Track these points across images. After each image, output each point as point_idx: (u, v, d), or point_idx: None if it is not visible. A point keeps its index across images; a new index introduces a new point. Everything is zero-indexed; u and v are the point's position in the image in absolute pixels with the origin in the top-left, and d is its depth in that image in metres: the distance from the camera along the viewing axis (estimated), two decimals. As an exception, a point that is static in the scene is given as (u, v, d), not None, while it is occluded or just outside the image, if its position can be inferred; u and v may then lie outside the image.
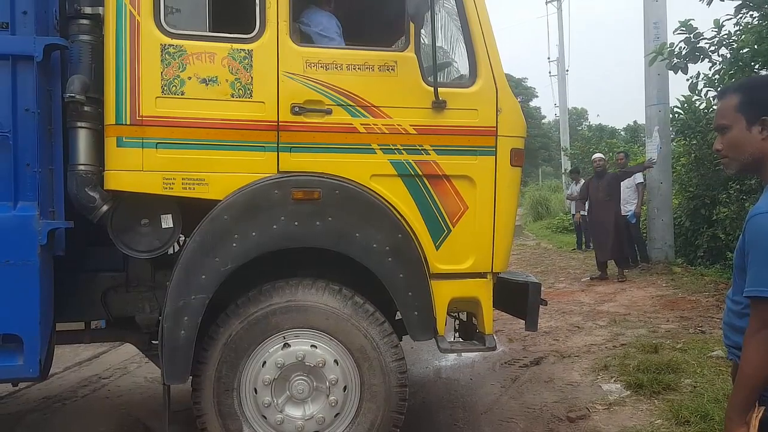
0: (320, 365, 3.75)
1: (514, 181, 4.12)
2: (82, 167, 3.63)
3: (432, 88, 3.84)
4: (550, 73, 35.51)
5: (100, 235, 3.87)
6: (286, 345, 3.74)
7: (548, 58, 36.13)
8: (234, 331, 3.70)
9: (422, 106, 3.86)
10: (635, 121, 29.57)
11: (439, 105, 3.84)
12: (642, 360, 5.98)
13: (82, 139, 3.64)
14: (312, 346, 3.76)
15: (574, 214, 15.82)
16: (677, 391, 5.22)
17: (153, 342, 4.30)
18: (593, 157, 12.41)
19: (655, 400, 5.11)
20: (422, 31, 4.03)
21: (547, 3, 32.05)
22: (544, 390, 5.64)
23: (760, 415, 2.00)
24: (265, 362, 3.73)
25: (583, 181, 14.05)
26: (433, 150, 3.89)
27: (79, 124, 3.63)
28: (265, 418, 3.76)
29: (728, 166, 2.26)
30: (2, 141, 3.42)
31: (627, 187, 11.68)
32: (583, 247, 15.50)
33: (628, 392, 5.35)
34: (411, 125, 3.85)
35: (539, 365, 6.39)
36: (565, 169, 24.58)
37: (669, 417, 4.71)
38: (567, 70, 31.40)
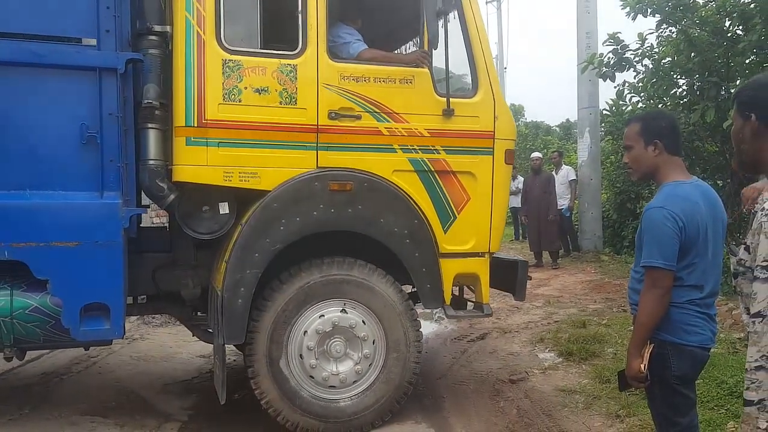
0: (351, 327, 4.44)
1: (506, 177, 4.90)
2: (152, 162, 4.22)
3: (442, 98, 4.54)
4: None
5: None
6: (344, 311, 4.43)
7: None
8: (293, 292, 4.32)
9: (434, 113, 4.56)
10: (568, 119, 30.52)
11: (448, 112, 4.55)
12: (572, 333, 6.79)
13: (152, 138, 4.22)
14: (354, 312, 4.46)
15: (512, 207, 16.63)
16: (601, 357, 6.00)
17: (195, 314, 4.92)
18: (532, 155, 13.17)
19: (583, 365, 5.88)
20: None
21: (487, 3, 32.29)
22: (489, 359, 6.37)
23: (650, 349, 2.80)
24: (306, 331, 4.37)
25: (520, 177, 14.96)
26: (443, 150, 4.61)
27: (150, 125, 4.20)
28: (308, 368, 4.40)
29: (632, 175, 3.13)
30: (91, 140, 3.99)
31: (561, 183, 12.48)
32: (521, 237, 16.29)
33: (561, 359, 6.14)
34: (425, 129, 4.56)
35: (484, 340, 7.12)
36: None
37: (594, 377, 5.46)
38: (505, 68, 31.16)
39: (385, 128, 4.50)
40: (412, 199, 4.56)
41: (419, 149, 4.58)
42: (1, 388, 5.56)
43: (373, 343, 4.49)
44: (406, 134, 4.54)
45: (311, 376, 4.41)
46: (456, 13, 4.66)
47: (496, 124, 4.72)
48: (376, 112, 4.47)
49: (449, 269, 4.68)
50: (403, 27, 5.26)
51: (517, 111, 36.77)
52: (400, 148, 4.54)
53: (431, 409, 5.04)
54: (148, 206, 4.97)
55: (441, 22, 4.44)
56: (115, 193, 4.04)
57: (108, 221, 4.00)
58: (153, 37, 4.22)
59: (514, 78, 59.96)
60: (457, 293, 5.26)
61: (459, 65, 4.81)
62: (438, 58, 4.62)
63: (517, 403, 5.07)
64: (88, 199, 4.00)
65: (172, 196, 4.27)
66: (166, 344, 6.99)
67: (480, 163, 4.72)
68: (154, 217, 8.02)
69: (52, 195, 3.94)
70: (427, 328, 7.46)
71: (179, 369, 6.14)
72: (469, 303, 5.15)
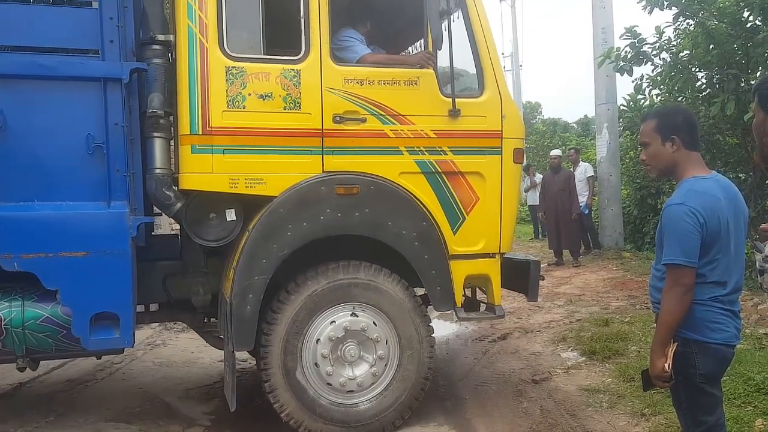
0: (363, 330, 4.42)
1: (516, 176, 4.85)
2: (158, 171, 4.25)
3: (448, 98, 4.50)
4: (504, 68, 34.89)
5: None
6: (354, 314, 4.42)
7: (502, 54, 36.11)
8: (302, 302, 4.33)
9: (440, 113, 4.52)
10: (586, 115, 30.09)
11: (455, 113, 4.51)
12: (595, 332, 6.75)
13: (158, 146, 4.26)
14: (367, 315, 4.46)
15: (530, 205, 16.54)
16: (624, 355, 5.95)
17: (207, 320, 4.93)
18: (551, 153, 13.11)
19: (606, 364, 5.83)
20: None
21: (501, 1, 31.63)
22: (511, 359, 6.33)
23: (674, 348, 2.76)
24: (319, 339, 4.37)
25: (539, 174, 14.84)
26: (450, 151, 4.57)
27: (155, 134, 4.24)
28: (325, 376, 4.40)
29: (651, 172, 3.08)
30: (97, 150, 4.01)
31: (579, 180, 12.33)
32: (540, 236, 16.18)
33: (584, 358, 6.10)
34: (431, 130, 4.52)
35: (506, 340, 7.08)
36: (520, 163, 25.15)
37: (617, 376, 5.42)
38: (521, 65, 31.18)
39: (391, 130, 4.47)
40: (419, 201, 4.52)
41: (426, 151, 4.54)
42: (26, 396, 5.63)
43: (386, 343, 4.48)
44: (412, 136, 4.51)
45: (329, 384, 4.40)
46: (460, 12, 4.62)
47: (503, 123, 4.67)
48: (381, 114, 4.44)
49: (459, 271, 4.64)
50: (409, 28, 5.22)
51: (534, 108, 36.51)
52: (407, 150, 4.51)
53: (453, 410, 5.03)
54: (159, 214, 5.00)
55: (445, 23, 4.40)
56: (122, 202, 4.06)
57: (115, 231, 4.01)
58: (156, 47, 4.25)
59: (530, 75, 59.15)
60: (469, 294, 5.24)
61: (468, 65, 4.78)
62: (446, 59, 4.58)
63: (540, 404, 5.05)
64: (95, 209, 4.02)
65: (178, 204, 4.29)
66: (188, 349, 7.03)
67: (488, 163, 4.68)
68: (173, 224, 8.05)
69: (60, 206, 3.97)
70: (448, 329, 7.44)
71: (201, 374, 6.19)
72: (482, 304, 5.11)
